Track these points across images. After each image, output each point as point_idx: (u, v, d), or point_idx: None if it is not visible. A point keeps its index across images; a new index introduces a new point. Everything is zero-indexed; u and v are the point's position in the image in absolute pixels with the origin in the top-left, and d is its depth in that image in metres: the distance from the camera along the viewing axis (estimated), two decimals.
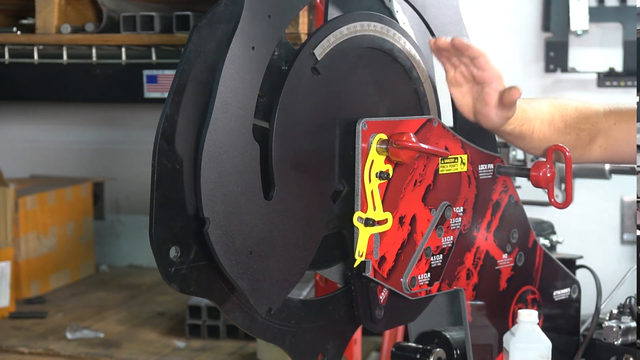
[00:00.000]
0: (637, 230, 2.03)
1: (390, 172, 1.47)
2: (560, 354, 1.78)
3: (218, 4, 1.32)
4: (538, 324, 1.65)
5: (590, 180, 3.10)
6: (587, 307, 1.89)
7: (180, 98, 1.28)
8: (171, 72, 2.92)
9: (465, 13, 1.71)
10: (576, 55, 3.68)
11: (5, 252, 3.68)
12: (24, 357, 3.24)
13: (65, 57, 2.84)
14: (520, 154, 2.76)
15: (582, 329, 1.89)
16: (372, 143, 1.44)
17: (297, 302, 1.46)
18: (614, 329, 1.80)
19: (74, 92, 3.47)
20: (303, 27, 2.45)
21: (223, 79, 1.28)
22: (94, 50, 2.84)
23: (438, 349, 1.69)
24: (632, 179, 1.75)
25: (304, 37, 2.39)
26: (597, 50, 3.68)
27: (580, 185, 3.13)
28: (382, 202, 1.47)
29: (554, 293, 1.81)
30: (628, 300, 1.84)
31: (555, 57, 3.68)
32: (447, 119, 1.62)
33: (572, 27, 3.61)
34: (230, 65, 1.29)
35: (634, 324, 1.81)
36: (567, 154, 1.59)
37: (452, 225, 1.58)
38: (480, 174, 1.63)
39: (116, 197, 4.71)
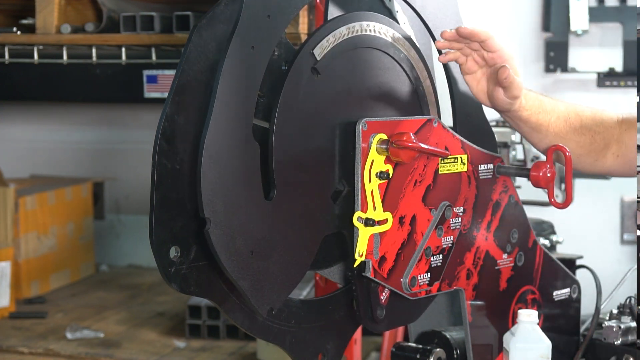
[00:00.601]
0: (637, 230, 2.03)
1: (390, 172, 1.47)
2: (560, 354, 1.78)
3: (218, 4, 1.32)
4: (538, 324, 1.65)
5: (590, 180, 3.11)
6: (587, 307, 1.89)
7: (180, 98, 1.28)
8: (171, 72, 2.92)
9: (465, 13, 1.72)
10: (576, 55, 3.68)
11: (5, 252, 3.68)
12: (24, 357, 3.24)
13: (65, 57, 2.84)
14: (520, 154, 2.77)
15: (582, 329, 1.89)
16: (372, 143, 1.44)
17: (297, 302, 1.46)
18: (614, 329, 1.79)
19: (74, 92, 3.47)
20: (303, 27, 2.45)
21: (223, 79, 1.28)
22: (94, 50, 2.83)
23: (438, 349, 1.69)
24: (632, 179, 1.75)
25: (304, 37, 2.39)
26: (597, 50, 3.68)
27: (580, 185, 3.13)
28: (382, 202, 1.47)
29: (554, 293, 1.81)
30: (628, 300, 1.84)
31: (555, 57, 3.68)
32: (447, 119, 1.63)
33: (572, 27, 3.61)
34: (230, 66, 1.29)
35: (634, 324, 1.81)
36: (567, 154, 1.59)
37: (452, 225, 1.58)
38: (480, 174, 1.63)
39: (116, 197, 4.71)
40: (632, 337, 1.80)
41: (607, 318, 1.84)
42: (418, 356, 1.69)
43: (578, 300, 1.86)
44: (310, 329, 1.47)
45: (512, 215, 1.70)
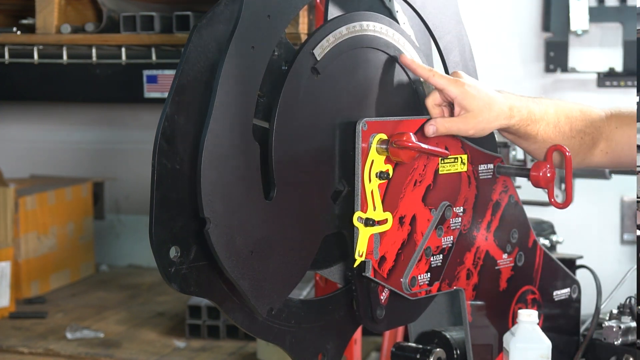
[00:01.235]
0: (637, 230, 2.03)
1: (390, 172, 1.47)
2: (560, 354, 1.78)
3: (218, 4, 1.32)
4: (538, 324, 1.65)
5: (590, 180, 3.11)
6: (587, 307, 1.89)
7: (180, 98, 1.28)
8: (171, 72, 2.92)
9: (465, 13, 1.72)
10: (576, 55, 3.68)
11: (5, 252, 3.68)
12: (24, 357, 3.24)
13: (65, 57, 2.84)
14: (520, 154, 2.76)
15: (582, 329, 1.89)
16: (372, 143, 1.44)
17: (297, 302, 1.46)
18: (614, 329, 1.79)
19: (74, 92, 3.46)
20: (303, 27, 2.45)
21: (223, 79, 1.28)
22: (94, 50, 2.83)
23: (438, 349, 1.69)
24: (632, 179, 1.75)
25: (304, 37, 2.39)
26: (597, 50, 3.68)
27: (580, 185, 3.13)
28: (382, 202, 1.47)
29: (554, 293, 1.81)
30: (628, 300, 1.84)
31: (555, 57, 3.68)
32: None
33: (572, 27, 3.61)
34: (230, 65, 1.29)
35: (634, 324, 1.81)
36: (567, 154, 1.59)
37: (452, 225, 1.58)
38: (480, 174, 1.63)
39: (116, 197, 4.71)
40: (632, 337, 1.80)
41: (607, 318, 1.84)
42: (418, 356, 1.69)
43: (578, 300, 1.86)
44: (310, 329, 1.47)
45: (512, 215, 1.70)
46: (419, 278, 1.54)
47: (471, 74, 1.70)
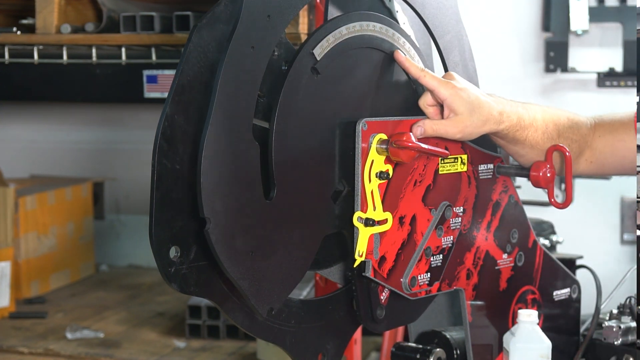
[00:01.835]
0: (637, 230, 2.03)
1: (390, 172, 1.47)
2: (560, 354, 1.78)
3: (218, 4, 1.32)
4: (538, 324, 1.65)
5: (590, 180, 3.11)
6: (587, 307, 1.89)
7: (180, 98, 1.28)
8: (171, 72, 2.91)
9: (464, 13, 1.72)
10: (576, 55, 3.68)
11: (5, 252, 3.68)
12: (24, 357, 3.23)
13: (65, 57, 2.84)
14: None
15: (582, 329, 1.89)
16: (372, 143, 1.44)
17: (297, 302, 1.46)
18: (614, 329, 1.80)
19: (74, 92, 3.46)
20: (303, 27, 2.45)
21: (223, 79, 1.28)
22: (94, 50, 2.83)
23: (438, 349, 1.69)
24: (632, 179, 1.75)
25: (304, 37, 2.39)
26: (597, 50, 3.68)
27: (580, 185, 3.13)
28: (382, 202, 1.47)
29: (554, 293, 1.81)
30: (628, 300, 1.84)
31: (555, 57, 3.68)
32: None
33: (572, 27, 3.61)
34: (230, 65, 1.29)
35: (634, 324, 1.81)
36: (567, 154, 1.59)
37: (452, 225, 1.58)
38: (480, 174, 1.63)
39: (116, 197, 4.71)
40: (632, 337, 1.80)
41: (607, 318, 1.84)
42: (418, 356, 1.69)
43: (578, 300, 1.86)
44: (310, 329, 1.47)
45: (512, 215, 1.70)
46: (419, 278, 1.54)
47: (471, 74, 1.70)
